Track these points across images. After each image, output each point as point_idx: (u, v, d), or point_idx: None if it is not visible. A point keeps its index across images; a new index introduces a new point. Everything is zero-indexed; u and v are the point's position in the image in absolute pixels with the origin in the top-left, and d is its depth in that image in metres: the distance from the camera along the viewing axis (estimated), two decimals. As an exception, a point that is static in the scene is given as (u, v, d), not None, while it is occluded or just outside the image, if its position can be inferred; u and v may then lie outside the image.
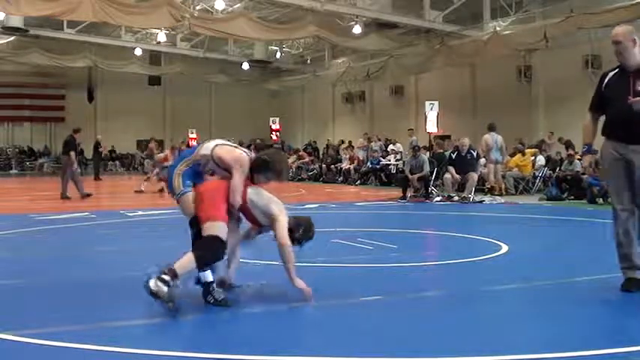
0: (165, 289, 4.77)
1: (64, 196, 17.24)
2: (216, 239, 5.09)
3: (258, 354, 4.01)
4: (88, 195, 17.46)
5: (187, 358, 3.96)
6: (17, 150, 41.25)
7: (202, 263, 5.05)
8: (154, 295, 4.76)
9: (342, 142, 32.83)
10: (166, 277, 4.79)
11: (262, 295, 5.60)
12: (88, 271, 7.09)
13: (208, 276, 5.18)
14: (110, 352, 4.06)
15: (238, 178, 5.35)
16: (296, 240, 5.39)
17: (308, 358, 3.97)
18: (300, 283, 5.32)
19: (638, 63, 5.70)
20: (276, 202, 5.47)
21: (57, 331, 4.46)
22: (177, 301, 4.84)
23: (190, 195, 5.50)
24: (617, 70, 5.86)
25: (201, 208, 5.28)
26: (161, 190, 19.22)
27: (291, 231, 5.35)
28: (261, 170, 5.57)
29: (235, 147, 5.65)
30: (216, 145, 5.57)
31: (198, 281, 5.25)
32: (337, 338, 4.45)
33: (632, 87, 5.65)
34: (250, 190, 5.46)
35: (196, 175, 5.64)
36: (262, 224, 5.51)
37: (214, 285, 5.22)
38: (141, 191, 19.94)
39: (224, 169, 5.49)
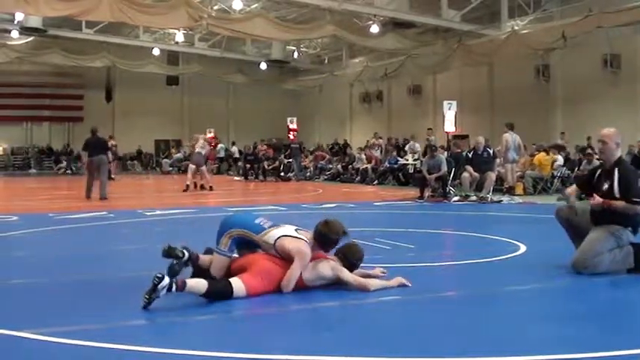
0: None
1: (104, 197, 16.65)
2: (229, 290, 5.32)
3: (278, 353, 4.02)
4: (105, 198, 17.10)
5: (209, 357, 3.95)
6: (36, 149, 41.54)
7: (207, 296, 5.25)
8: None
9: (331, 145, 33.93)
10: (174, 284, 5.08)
11: (285, 297, 5.61)
12: (106, 269, 7.12)
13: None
14: (130, 351, 4.07)
15: (297, 269, 5.56)
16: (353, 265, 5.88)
17: (323, 358, 3.96)
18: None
19: (613, 162, 6.45)
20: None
21: (76, 329, 4.47)
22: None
23: (225, 260, 5.77)
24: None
25: (243, 267, 5.62)
26: (185, 190, 19.37)
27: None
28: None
29: (299, 237, 5.73)
30: (281, 237, 5.69)
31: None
32: (353, 338, 4.44)
33: (601, 185, 6.45)
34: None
35: (245, 244, 5.87)
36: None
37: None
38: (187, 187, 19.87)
39: (281, 256, 5.69)
